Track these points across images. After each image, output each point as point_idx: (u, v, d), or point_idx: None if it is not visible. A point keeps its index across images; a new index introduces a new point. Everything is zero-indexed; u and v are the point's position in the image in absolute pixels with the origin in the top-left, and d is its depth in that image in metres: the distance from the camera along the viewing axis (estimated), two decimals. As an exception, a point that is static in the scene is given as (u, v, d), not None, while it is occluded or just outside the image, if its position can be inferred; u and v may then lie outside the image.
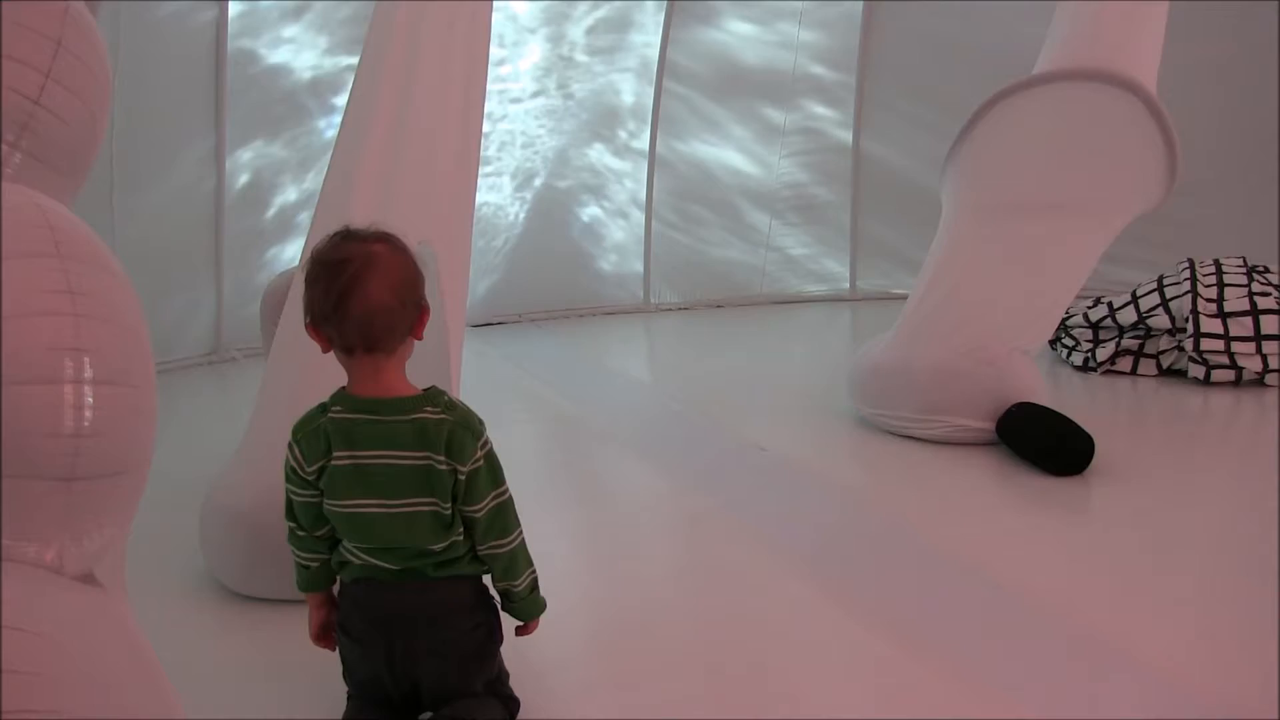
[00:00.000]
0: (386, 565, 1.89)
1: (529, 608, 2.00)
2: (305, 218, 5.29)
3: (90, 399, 1.09)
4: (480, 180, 6.01)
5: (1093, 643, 2.31)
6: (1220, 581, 2.68)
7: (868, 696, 2.18)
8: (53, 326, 1.06)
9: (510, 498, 1.92)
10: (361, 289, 1.76)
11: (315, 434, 1.86)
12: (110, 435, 1.12)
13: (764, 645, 2.36)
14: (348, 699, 2.01)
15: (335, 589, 2.02)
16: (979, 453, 3.70)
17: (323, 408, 1.88)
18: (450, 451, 1.82)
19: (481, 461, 1.85)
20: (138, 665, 1.15)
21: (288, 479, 1.90)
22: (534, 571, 2.00)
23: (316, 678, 2.22)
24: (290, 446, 1.88)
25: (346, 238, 1.83)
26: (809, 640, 2.38)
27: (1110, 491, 3.34)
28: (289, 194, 5.54)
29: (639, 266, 6.88)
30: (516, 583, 1.96)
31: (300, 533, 1.96)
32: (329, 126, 5.41)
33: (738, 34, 6.68)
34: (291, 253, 5.38)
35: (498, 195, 6.36)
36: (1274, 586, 2.55)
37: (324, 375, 2.51)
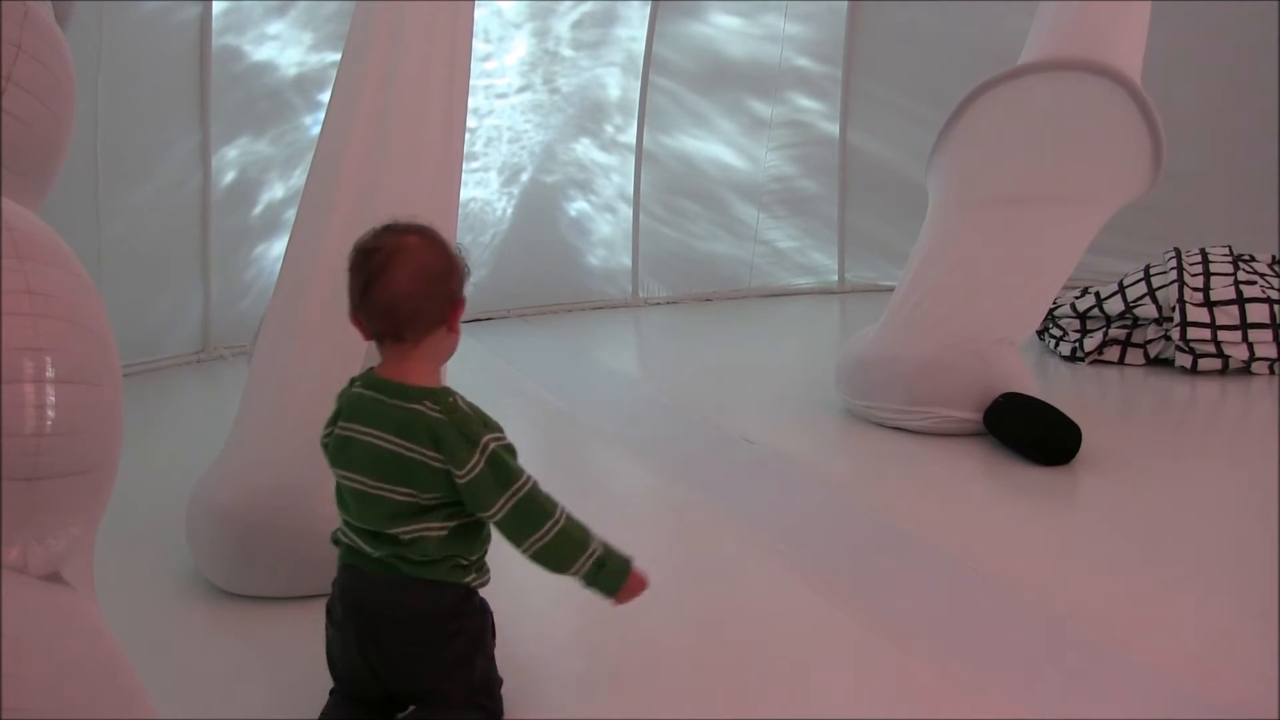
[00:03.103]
0: (367, 549, 1.89)
1: (607, 584, 1.92)
2: (293, 214, 5.28)
3: (52, 398, 1.09)
4: (467, 176, 6.02)
5: (1081, 633, 2.31)
6: (1209, 570, 2.68)
7: (854, 688, 2.18)
8: (12, 327, 1.07)
9: (529, 492, 1.85)
10: (386, 277, 1.80)
11: (341, 398, 1.95)
12: (73, 434, 1.13)
13: (750, 638, 2.36)
14: (330, 694, 2.01)
15: None
16: (966, 443, 3.71)
17: (353, 380, 1.96)
18: (441, 450, 1.81)
19: (480, 466, 1.81)
20: (105, 665, 1.15)
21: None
22: (594, 550, 1.89)
23: (303, 675, 2.22)
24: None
25: (385, 229, 1.87)
26: (796, 632, 2.39)
27: (1098, 481, 3.35)
28: (276, 191, 5.52)
29: (627, 261, 6.88)
30: (574, 570, 1.89)
31: None
32: (315, 123, 5.39)
33: (723, 27, 6.67)
34: (279, 250, 5.36)
35: (485, 191, 6.35)
36: (1265, 574, 2.56)
37: (308, 374, 2.52)
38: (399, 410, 1.84)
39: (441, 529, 1.86)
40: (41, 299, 1.09)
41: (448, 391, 1.88)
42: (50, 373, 1.09)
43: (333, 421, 1.93)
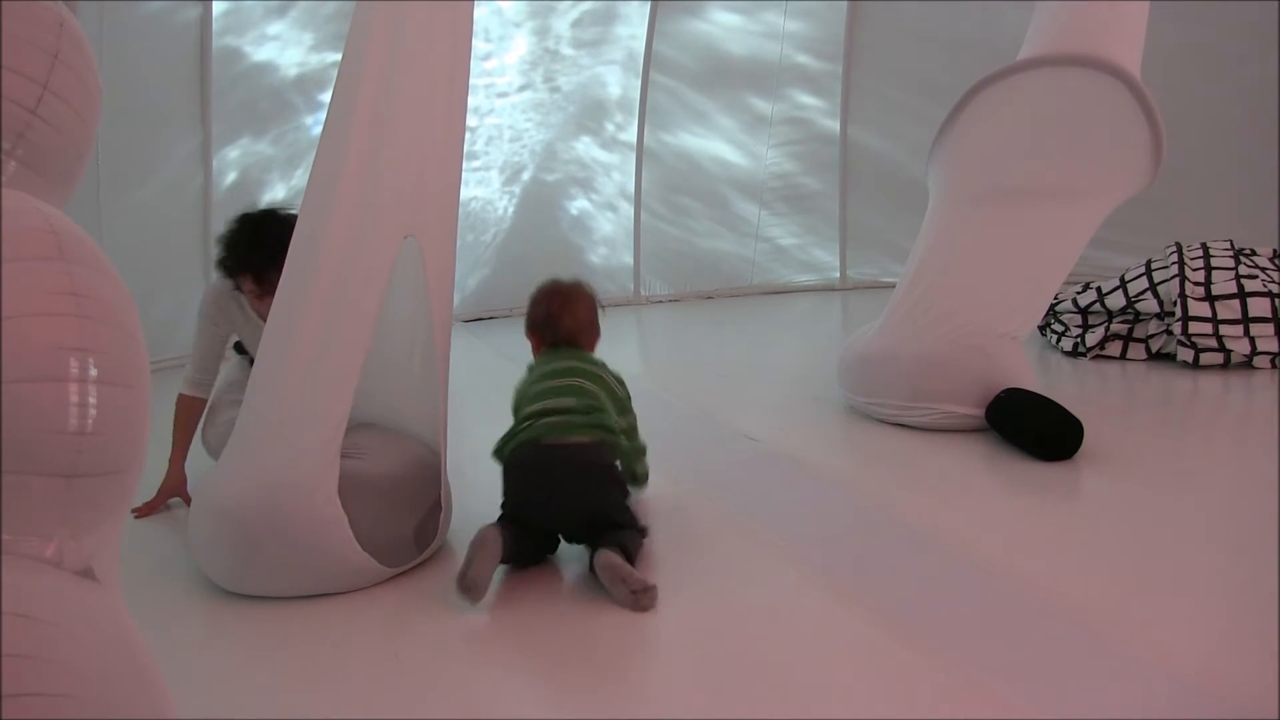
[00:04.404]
0: (561, 434, 2.70)
1: (645, 475, 3.15)
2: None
3: (93, 398, 1.14)
4: (468, 175, 6.02)
5: (1084, 628, 2.31)
6: (1212, 565, 2.69)
7: (857, 683, 2.18)
8: (58, 326, 1.12)
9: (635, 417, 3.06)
10: (572, 310, 3.01)
11: (534, 372, 2.93)
12: (110, 434, 1.17)
13: (753, 634, 2.36)
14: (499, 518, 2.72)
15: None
16: (968, 439, 3.71)
17: (538, 362, 2.98)
18: (604, 373, 2.92)
19: (624, 386, 3.00)
20: (133, 659, 1.18)
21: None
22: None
23: (304, 675, 2.22)
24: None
25: (558, 280, 3.11)
26: (799, 628, 2.39)
27: (1100, 476, 3.35)
28: (277, 191, 5.53)
29: (629, 259, 6.90)
30: (644, 467, 3.13)
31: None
32: (316, 123, 5.40)
33: (723, 25, 6.68)
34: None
35: (486, 190, 6.36)
36: (1267, 570, 2.55)
37: (308, 375, 2.53)
38: (584, 357, 2.97)
39: (604, 413, 2.79)
40: (84, 301, 1.14)
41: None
42: (93, 373, 1.14)
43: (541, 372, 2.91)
